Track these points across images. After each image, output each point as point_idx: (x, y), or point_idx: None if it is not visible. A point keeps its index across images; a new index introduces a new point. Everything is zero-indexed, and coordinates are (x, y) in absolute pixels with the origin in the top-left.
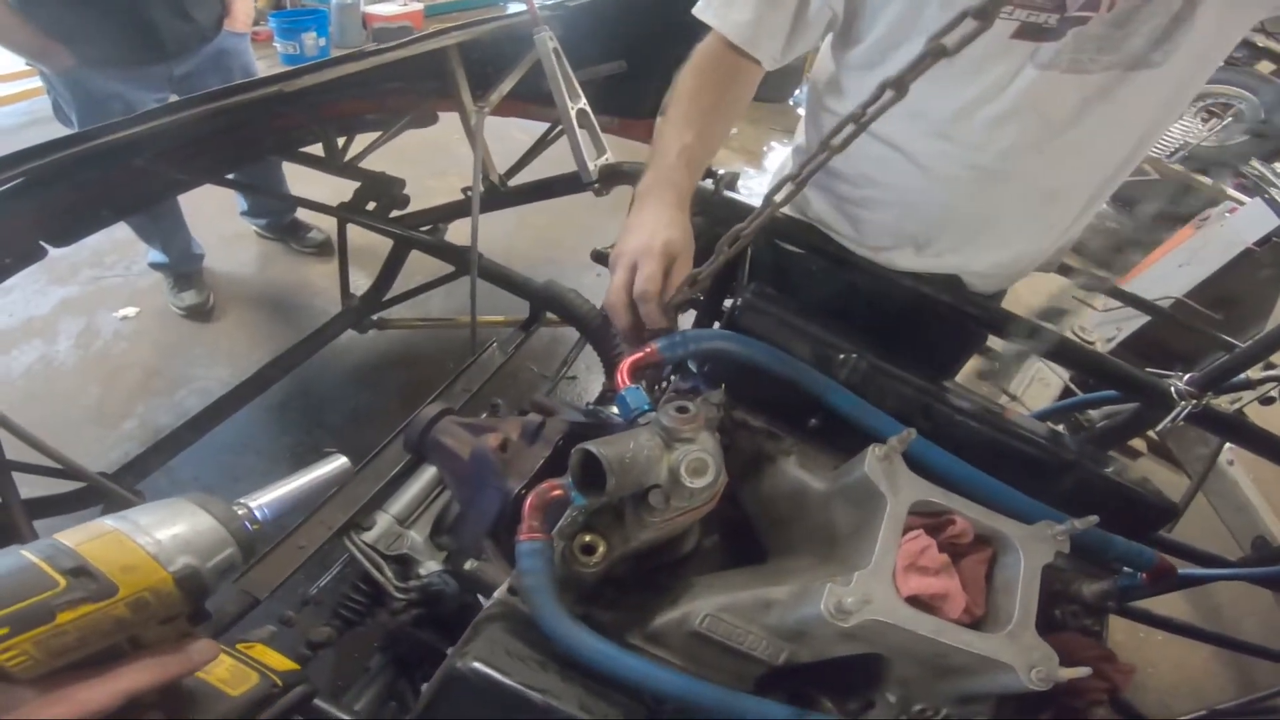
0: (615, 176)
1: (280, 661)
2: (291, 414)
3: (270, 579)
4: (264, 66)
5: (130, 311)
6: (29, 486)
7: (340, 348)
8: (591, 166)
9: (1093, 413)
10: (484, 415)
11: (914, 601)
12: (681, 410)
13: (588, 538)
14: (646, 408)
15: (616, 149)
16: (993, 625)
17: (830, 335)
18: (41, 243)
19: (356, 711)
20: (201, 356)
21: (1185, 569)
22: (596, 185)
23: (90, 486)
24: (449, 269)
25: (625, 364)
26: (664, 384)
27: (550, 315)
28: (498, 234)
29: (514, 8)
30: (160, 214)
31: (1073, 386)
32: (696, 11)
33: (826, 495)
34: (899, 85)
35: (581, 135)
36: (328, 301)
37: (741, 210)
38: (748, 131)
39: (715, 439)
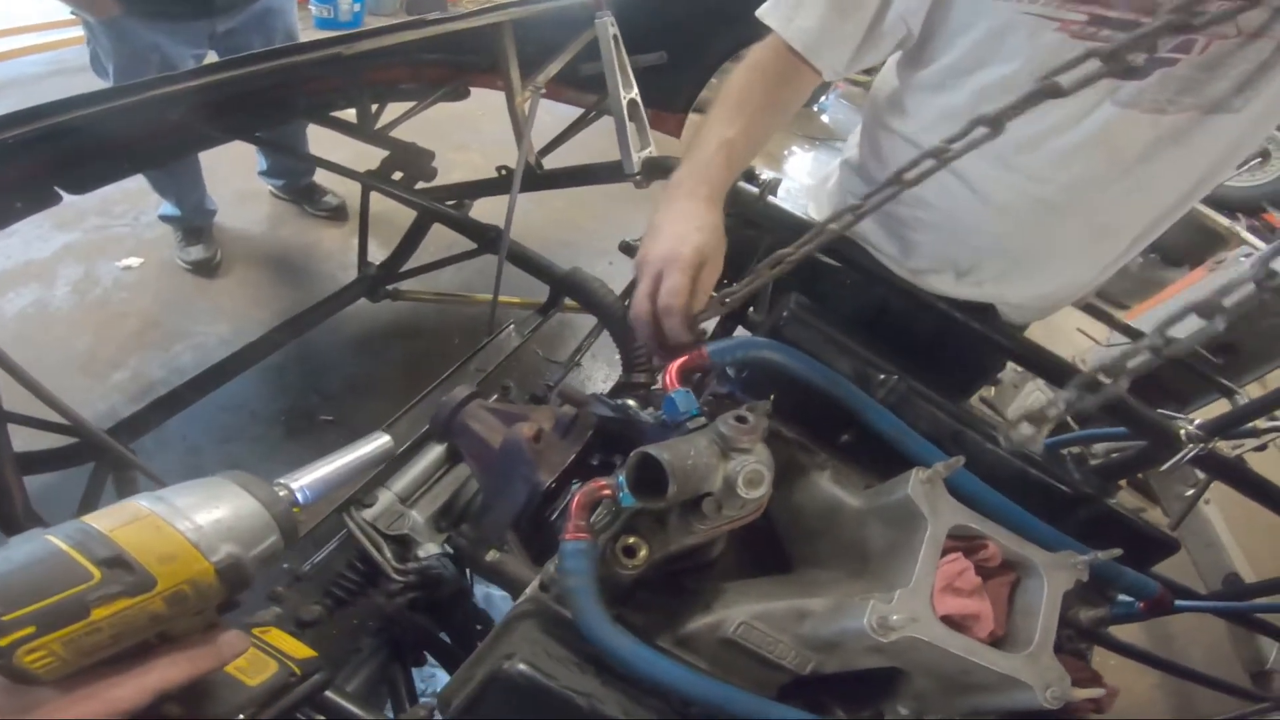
0: (658, 170)
1: (296, 647)
2: (289, 377)
3: None
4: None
5: (134, 262)
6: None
7: (343, 315)
8: (636, 158)
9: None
10: (494, 398)
11: (947, 621)
12: (741, 420)
13: (630, 540)
14: (695, 412)
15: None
16: (1011, 645)
17: (871, 354)
18: (57, 189)
19: (362, 699)
20: (203, 312)
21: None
22: (638, 177)
23: (82, 443)
24: (466, 244)
25: (674, 366)
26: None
27: (568, 301)
28: (515, 215)
29: None
30: (179, 167)
31: (1069, 419)
32: (761, 14)
33: (862, 513)
34: (995, 123)
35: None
36: (336, 266)
37: (786, 220)
38: None
39: (768, 450)
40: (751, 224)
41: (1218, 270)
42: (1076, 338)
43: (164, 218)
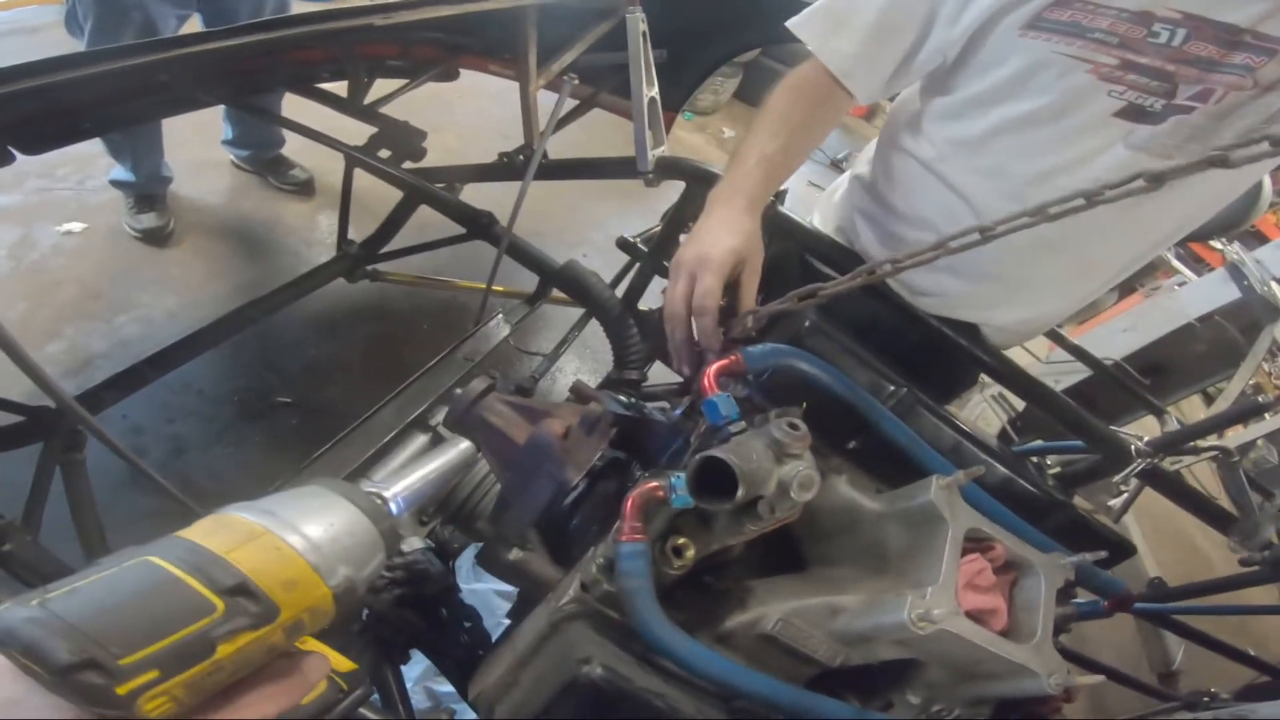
0: (670, 170)
1: (338, 660)
2: (242, 355)
3: None
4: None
5: (75, 226)
6: None
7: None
8: (650, 156)
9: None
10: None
11: (969, 615)
12: (794, 427)
13: (680, 540)
14: (736, 416)
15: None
16: (1015, 637)
17: (884, 367)
18: (10, 148)
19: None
20: (150, 282)
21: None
22: (650, 175)
23: (28, 421)
24: (450, 228)
25: (712, 370)
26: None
27: (556, 293)
28: (488, 203)
29: None
30: (138, 130)
31: (1009, 429)
32: (793, 25)
33: (880, 515)
34: (1157, 179)
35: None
36: (300, 242)
37: (795, 229)
38: (744, 136)
39: (814, 456)
40: (788, 236)
41: (1153, 295)
42: (1017, 353)
43: (115, 182)
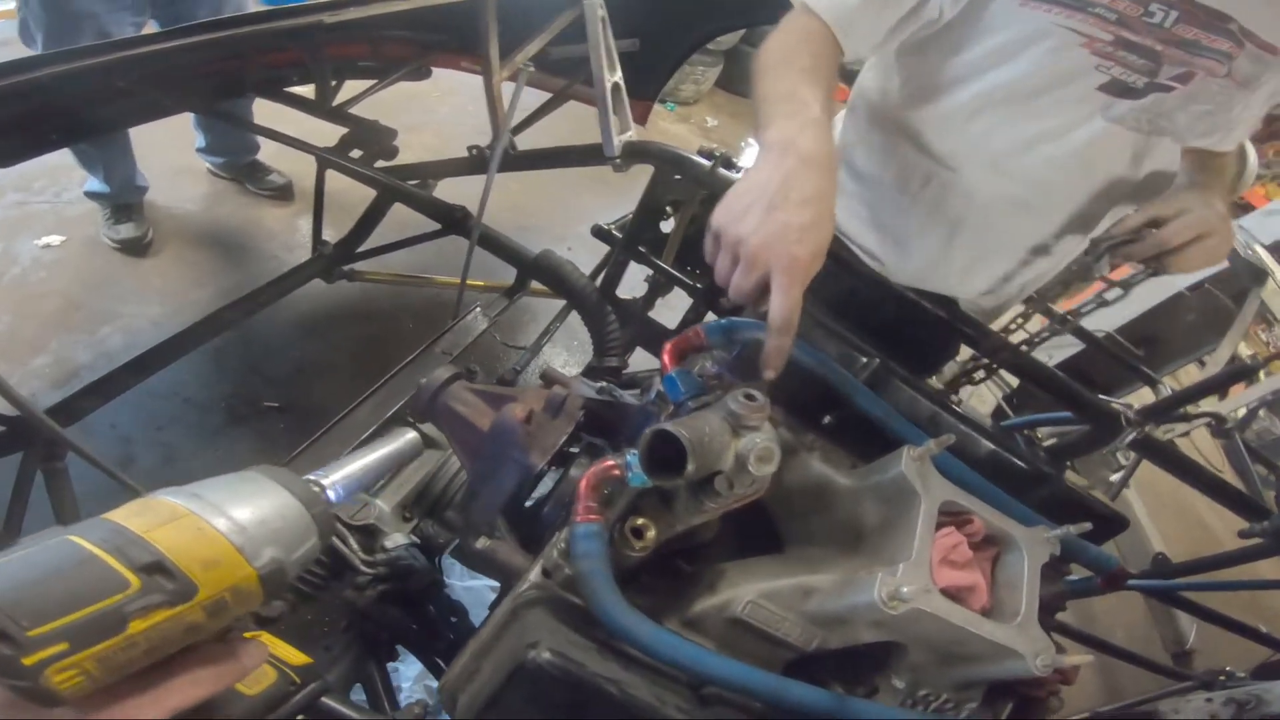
0: (638, 155)
1: (291, 653)
2: (228, 362)
3: None
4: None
5: (54, 240)
6: None
7: (289, 296)
8: (617, 141)
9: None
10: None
11: (945, 593)
12: (750, 398)
13: (639, 521)
14: (697, 390)
15: None
16: (998, 616)
17: (855, 338)
18: None
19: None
20: (131, 292)
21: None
22: (618, 161)
23: (9, 430)
24: (426, 225)
25: (670, 346)
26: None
27: (534, 285)
28: (469, 198)
29: None
30: (108, 140)
31: (1004, 405)
32: None
33: (854, 491)
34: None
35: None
36: (280, 246)
37: None
38: (728, 125)
39: (774, 428)
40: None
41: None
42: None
43: (90, 194)
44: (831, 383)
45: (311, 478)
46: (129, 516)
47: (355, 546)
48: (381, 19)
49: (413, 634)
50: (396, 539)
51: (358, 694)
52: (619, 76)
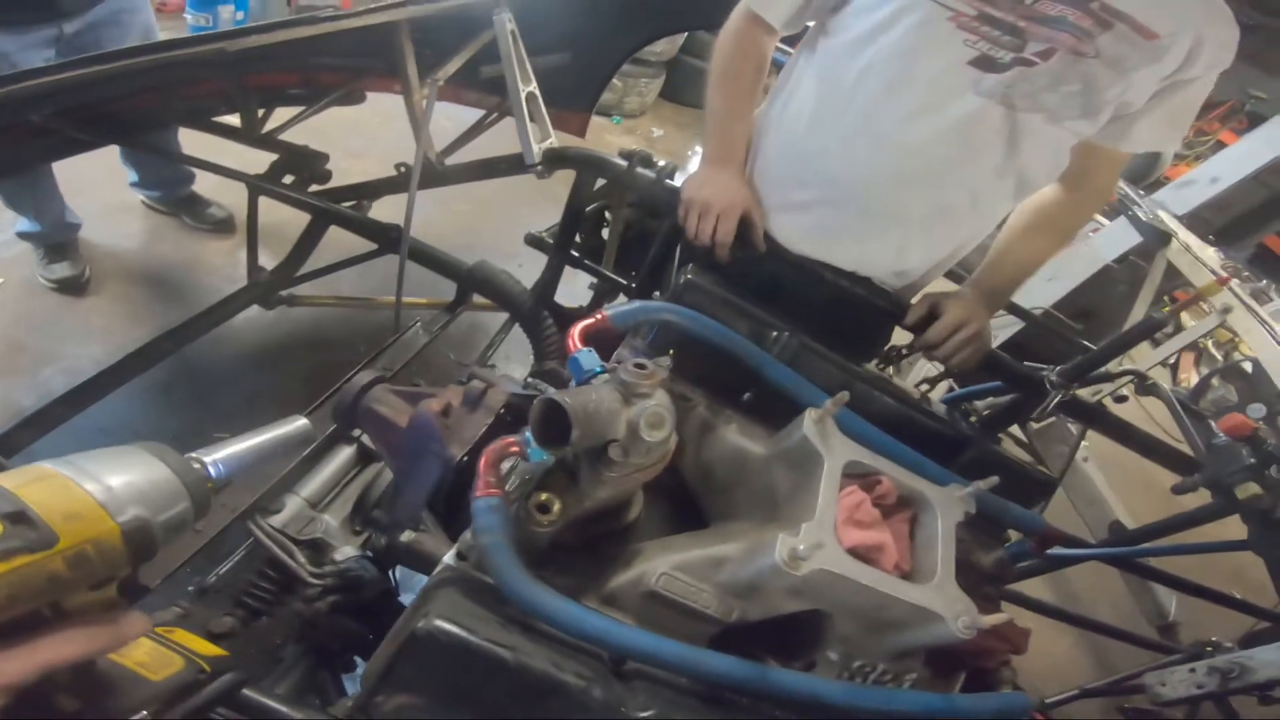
0: (559, 161)
1: (204, 646)
2: (179, 395)
3: (162, 564)
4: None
5: None
6: None
7: (235, 327)
8: (536, 150)
9: (978, 403)
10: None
11: (853, 554)
12: (640, 366)
13: (543, 496)
14: (599, 369)
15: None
16: (920, 579)
17: (765, 314)
18: None
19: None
20: (72, 333)
21: (1059, 550)
22: (539, 168)
23: None
24: (367, 247)
25: (576, 329)
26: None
27: (477, 299)
28: (417, 219)
29: None
30: (33, 179)
31: (954, 385)
32: None
33: (767, 459)
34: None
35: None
36: (223, 280)
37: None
38: (674, 135)
39: (669, 397)
40: (654, 215)
41: (1071, 244)
42: None
43: (22, 235)
44: (739, 356)
45: (193, 455)
46: (3, 477)
47: (303, 560)
48: (300, 45)
49: (369, 643)
50: (346, 551)
51: None
52: (534, 86)
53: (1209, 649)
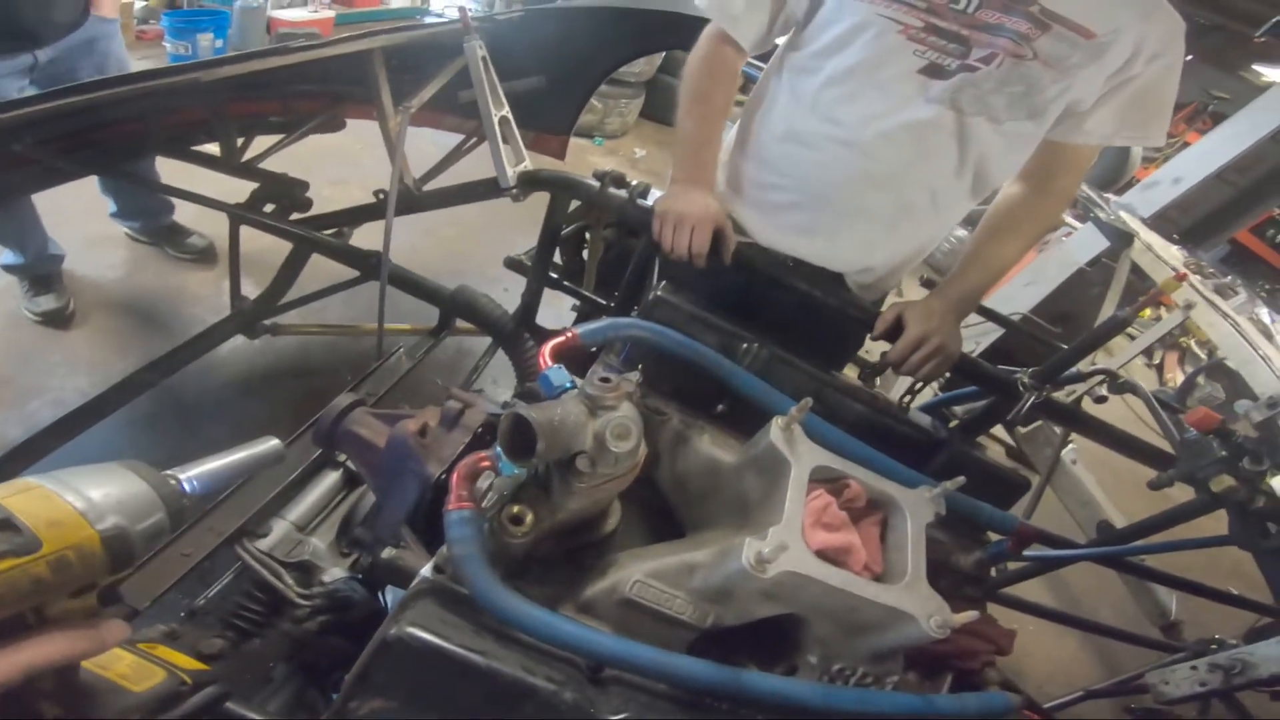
0: (533, 183)
1: (186, 661)
2: (165, 425)
3: (151, 588)
4: (147, 66)
5: None
6: None
7: (222, 357)
8: (510, 173)
9: (957, 409)
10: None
11: (822, 557)
12: (604, 380)
13: (515, 508)
14: (570, 385)
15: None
16: (890, 580)
17: (734, 327)
18: None
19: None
20: (58, 365)
21: (1044, 551)
22: (514, 191)
23: None
24: (350, 274)
25: (546, 347)
26: None
27: (461, 324)
28: (403, 245)
29: (431, 20)
30: (14, 211)
31: (936, 391)
32: (701, 9)
33: (737, 467)
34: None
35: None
36: (207, 310)
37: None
38: (656, 155)
39: (636, 409)
40: (634, 234)
41: (1045, 249)
42: None
43: (5, 267)
44: (708, 367)
45: (169, 472)
46: None
47: (290, 582)
48: (283, 75)
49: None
50: (335, 573)
51: None
52: (506, 110)
53: (1213, 646)
